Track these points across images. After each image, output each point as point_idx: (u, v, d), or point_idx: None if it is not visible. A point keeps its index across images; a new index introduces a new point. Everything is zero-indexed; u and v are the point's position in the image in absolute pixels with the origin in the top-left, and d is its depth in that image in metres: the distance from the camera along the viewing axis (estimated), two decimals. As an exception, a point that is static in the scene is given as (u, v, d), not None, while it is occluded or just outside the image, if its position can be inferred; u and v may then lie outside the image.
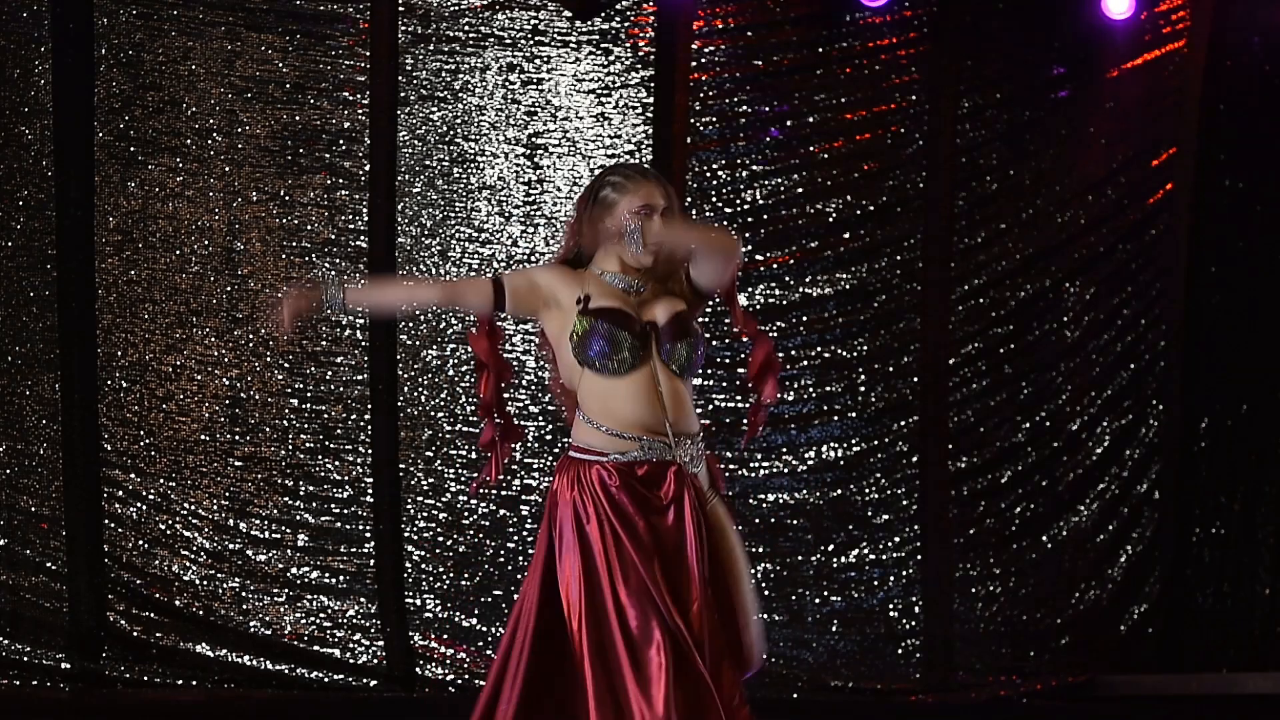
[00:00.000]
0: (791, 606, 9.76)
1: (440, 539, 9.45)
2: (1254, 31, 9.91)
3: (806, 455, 9.85)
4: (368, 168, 9.37)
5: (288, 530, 9.32)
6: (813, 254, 9.88)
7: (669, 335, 5.16)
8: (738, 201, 9.79)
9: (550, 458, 9.52)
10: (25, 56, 9.09)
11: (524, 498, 9.50)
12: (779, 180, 9.82)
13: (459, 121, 9.50)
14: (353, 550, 9.37)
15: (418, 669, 9.35)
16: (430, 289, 5.68)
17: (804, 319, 9.86)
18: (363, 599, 9.35)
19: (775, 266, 9.83)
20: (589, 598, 4.96)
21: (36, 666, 9.01)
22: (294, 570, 9.31)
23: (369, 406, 9.39)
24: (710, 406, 9.71)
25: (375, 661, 9.33)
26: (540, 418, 9.52)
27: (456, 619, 9.42)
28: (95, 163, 9.17)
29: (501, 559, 9.50)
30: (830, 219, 9.87)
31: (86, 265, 9.16)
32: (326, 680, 9.28)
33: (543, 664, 4.99)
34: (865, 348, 9.93)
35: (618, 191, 5.19)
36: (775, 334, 9.82)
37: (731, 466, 9.76)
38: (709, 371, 9.71)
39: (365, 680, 9.30)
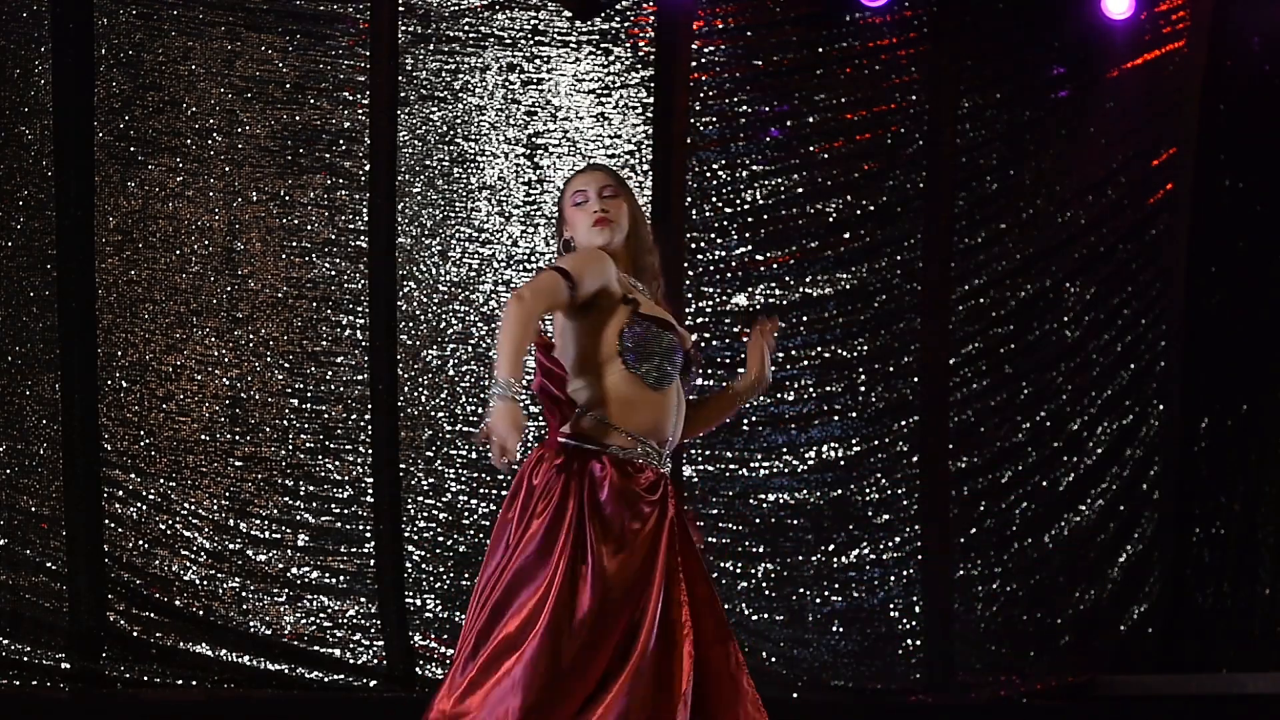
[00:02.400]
0: (792, 606, 9.76)
1: (440, 539, 9.45)
2: (1254, 31, 9.92)
3: (807, 455, 9.85)
4: (368, 168, 9.37)
5: (288, 530, 9.32)
6: (813, 254, 9.89)
7: (697, 362, 5.21)
8: (738, 201, 9.79)
9: (550, 458, 9.51)
10: (25, 56, 9.09)
11: (524, 498, 9.49)
12: (779, 180, 9.83)
13: (459, 121, 9.51)
14: (353, 550, 9.37)
15: (418, 669, 9.35)
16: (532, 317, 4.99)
17: (804, 319, 9.86)
18: (363, 599, 9.35)
19: (775, 266, 9.84)
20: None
21: (36, 666, 9.01)
22: (294, 570, 9.31)
23: (369, 406, 9.39)
24: (710, 406, 9.71)
25: (375, 661, 9.33)
26: (541, 417, 9.52)
27: (456, 619, 9.42)
28: (95, 163, 9.16)
29: (501, 559, 9.50)
30: (830, 219, 9.87)
31: (86, 265, 9.15)
32: (326, 680, 9.28)
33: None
34: (865, 348, 9.93)
35: (562, 195, 5.26)
36: (775, 334, 9.81)
37: (732, 466, 9.76)
38: (709, 372, 9.71)
39: (365, 680, 9.30)
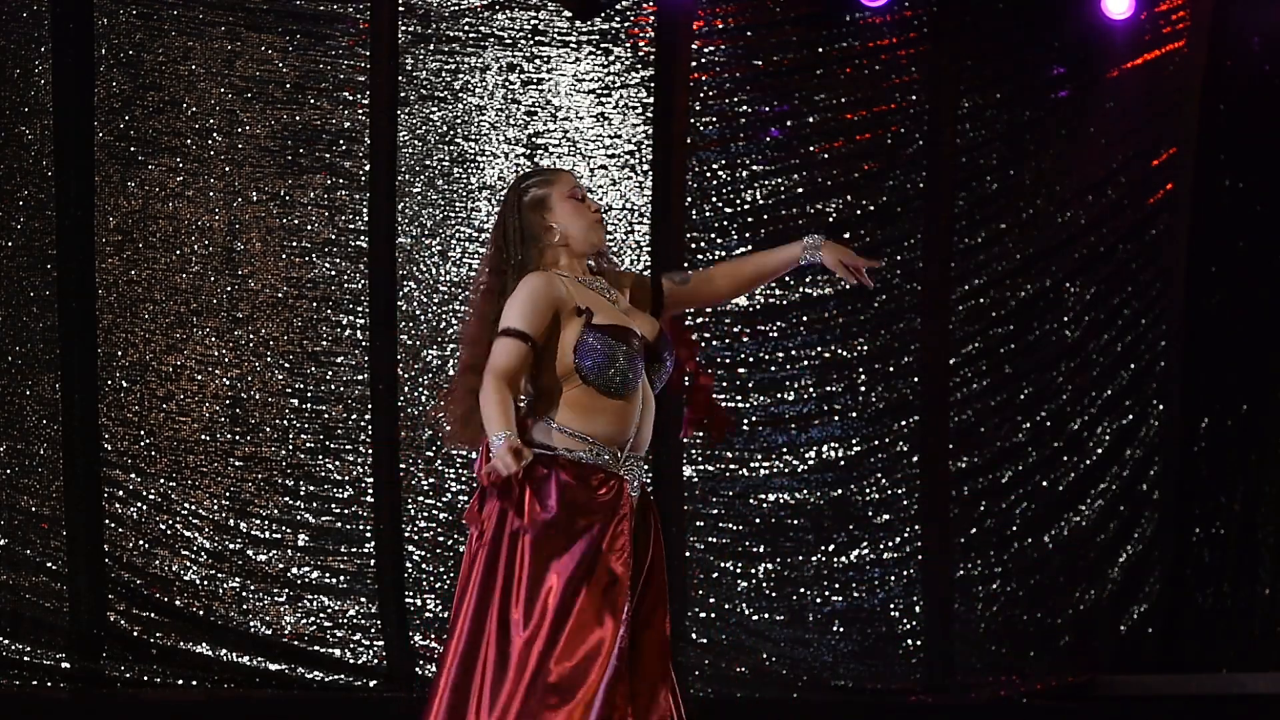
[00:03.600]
0: (792, 606, 9.76)
1: (440, 539, 9.45)
2: (1254, 31, 9.92)
3: (807, 455, 9.85)
4: (368, 168, 9.37)
5: (288, 530, 9.32)
6: (813, 254, 9.87)
7: (659, 356, 5.08)
8: (738, 201, 9.79)
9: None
10: (25, 56, 9.09)
11: (524, 498, 9.47)
12: (779, 180, 9.82)
13: (459, 121, 9.51)
14: (353, 550, 9.37)
15: (418, 669, 9.34)
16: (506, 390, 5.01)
17: (804, 319, 9.86)
18: (363, 599, 9.34)
19: (775, 266, 9.82)
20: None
21: (36, 666, 9.01)
22: (294, 570, 9.31)
23: (369, 406, 9.38)
24: (710, 406, 9.70)
25: (375, 661, 9.33)
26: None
27: (457, 619, 9.41)
28: (95, 163, 9.16)
29: (501, 559, 9.49)
30: (830, 219, 9.87)
31: (86, 265, 9.15)
32: (326, 680, 9.28)
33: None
34: (865, 348, 9.93)
35: (543, 186, 5.14)
36: (775, 334, 9.82)
37: (732, 466, 9.76)
38: (708, 372, 9.70)
39: (365, 680, 9.30)
